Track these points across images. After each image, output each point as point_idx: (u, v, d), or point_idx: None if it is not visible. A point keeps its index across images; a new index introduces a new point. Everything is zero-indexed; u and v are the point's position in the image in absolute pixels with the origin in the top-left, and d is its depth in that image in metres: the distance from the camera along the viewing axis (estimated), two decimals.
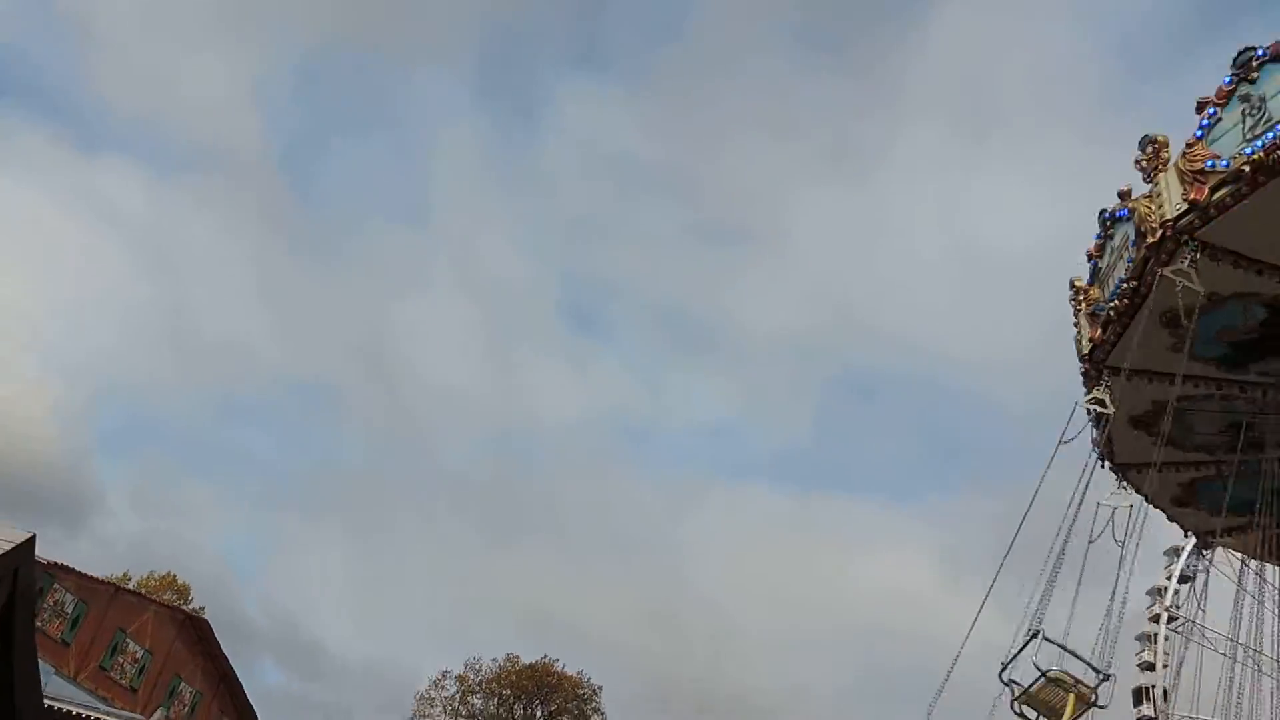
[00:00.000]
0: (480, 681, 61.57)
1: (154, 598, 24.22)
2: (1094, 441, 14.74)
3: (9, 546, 8.80)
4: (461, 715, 61.19)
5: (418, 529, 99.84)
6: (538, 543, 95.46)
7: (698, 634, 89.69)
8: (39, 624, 20.53)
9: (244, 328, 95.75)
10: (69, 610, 21.04)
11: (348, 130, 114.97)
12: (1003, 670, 12.58)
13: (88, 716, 16.65)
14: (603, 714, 60.97)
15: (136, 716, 20.87)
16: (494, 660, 61.98)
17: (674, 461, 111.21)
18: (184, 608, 25.38)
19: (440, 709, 60.97)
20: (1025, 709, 12.44)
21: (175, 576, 53.15)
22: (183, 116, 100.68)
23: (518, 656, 61.83)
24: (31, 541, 9.07)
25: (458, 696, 61.12)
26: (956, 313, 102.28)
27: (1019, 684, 12.35)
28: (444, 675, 61.67)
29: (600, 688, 61.79)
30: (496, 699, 61.60)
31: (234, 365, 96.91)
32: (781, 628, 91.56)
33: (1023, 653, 12.22)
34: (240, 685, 28.60)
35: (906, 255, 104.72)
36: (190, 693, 26.35)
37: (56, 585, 20.63)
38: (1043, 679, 12.08)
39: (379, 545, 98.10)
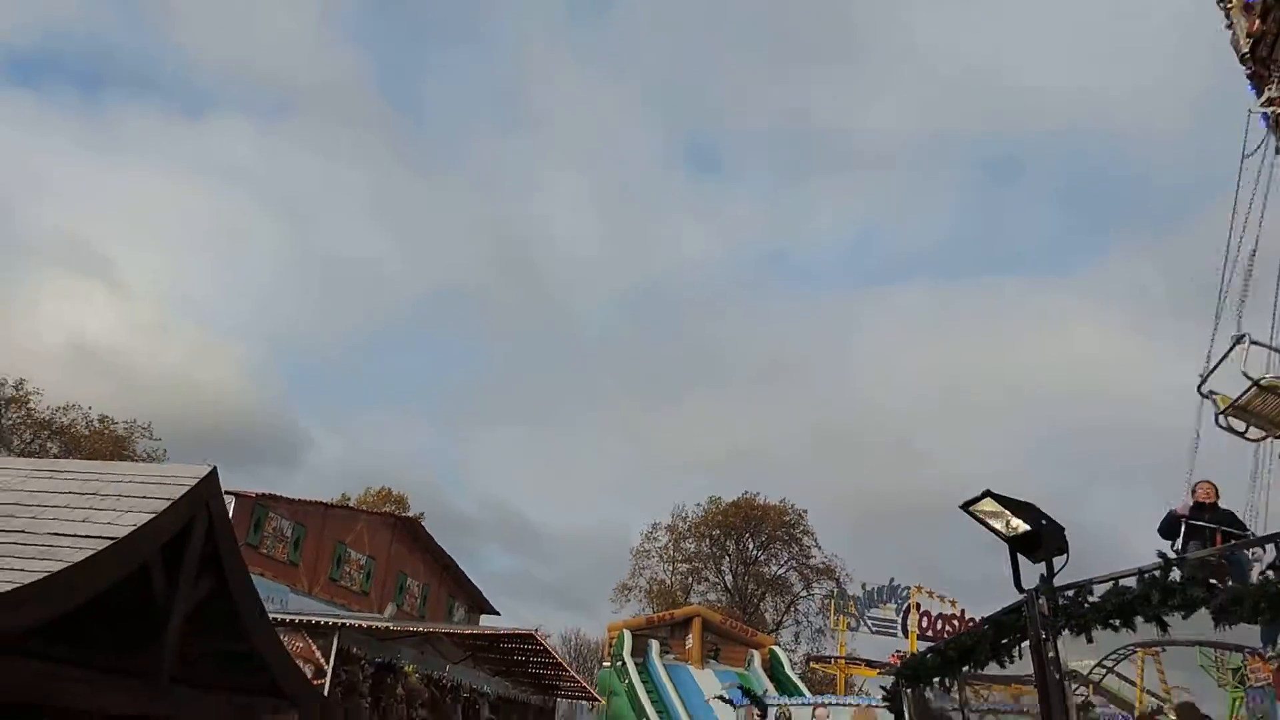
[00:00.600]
0: (689, 527, 63.63)
1: (363, 508, 25.65)
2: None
3: (194, 482, 9.23)
4: (677, 560, 63.67)
5: (589, 403, 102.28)
6: (706, 389, 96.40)
7: (875, 443, 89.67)
8: (265, 550, 22.09)
9: (377, 252, 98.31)
10: (289, 534, 22.49)
11: (436, 44, 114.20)
12: (1202, 383, 11.75)
13: (330, 622, 17.79)
14: (812, 534, 62.40)
15: (375, 614, 22.33)
16: (697, 505, 63.83)
17: (821, 280, 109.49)
18: (394, 512, 26.74)
19: (656, 559, 63.57)
20: (1234, 421, 11.66)
21: (390, 490, 56.45)
22: (275, 61, 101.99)
23: (719, 497, 63.42)
24: (214, 474, 9.49)
25: (670, 545, 63.52)
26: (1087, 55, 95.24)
27: (1222, 395, 11.50)
28: (653, 528, 64.01)
29: (805, 511, 62.86)
30: (707, 540, 63.60)
31: (376, 291, 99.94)
32: (955, 418, 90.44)
33: (1227, 357, 11.28)
34: (463, 572, 30.27)
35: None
36: (418, 586, 28.08)
37: (272, 514, 22.05)
38: (1254, 387, 11.17)
39: (559, 427, 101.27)
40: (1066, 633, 3.89)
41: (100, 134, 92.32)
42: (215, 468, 9.52)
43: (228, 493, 21.56)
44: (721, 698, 26.82)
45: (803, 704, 18.69)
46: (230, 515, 20.80)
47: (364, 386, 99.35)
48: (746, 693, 20.48)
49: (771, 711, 18.87)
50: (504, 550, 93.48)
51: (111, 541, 8.42)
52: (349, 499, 43.83)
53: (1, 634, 7.43)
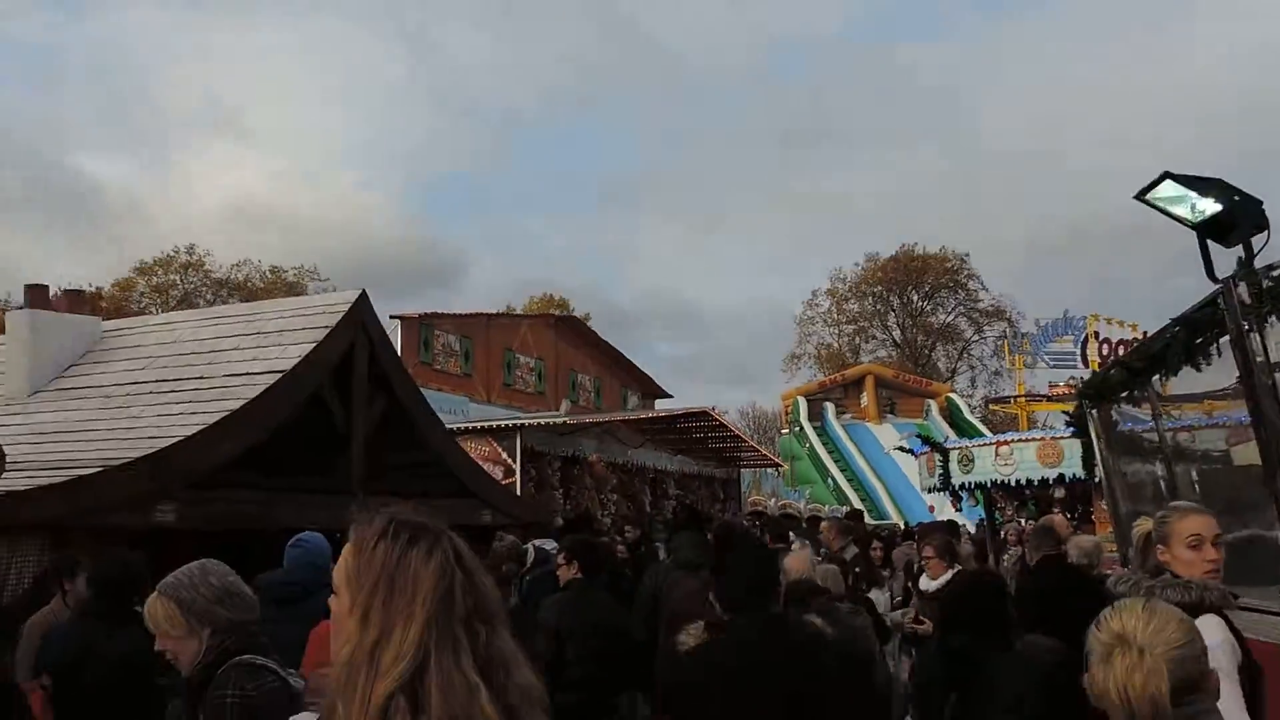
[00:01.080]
0: (849, 288, 62.83)
1: (524, 313, 26.22)
2: None
3: (347, 307, 9.42)
4: (842, 322, 63.33)
5: (739, 182, 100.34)
6: (833, 145, 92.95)
7: (1029, 168, 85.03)
8: (438, 366, 22.95)
9: (492, 61, 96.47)
10: (457, 348, 23.25)
11: None
12: None
13: (511, 423, 18.44)
14: (977, 277, 60.73)
15: (552, 412, 23.15)
16: (855, 265, 62.80)
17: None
18: (553, 313, 27.23)
19: (820, 324, 63.34)
20: None
21: (551, 295, 57.60)
22: None
23: (876, 254, 62.12)
24: (364, 296, 9.64)
25: (833, 308, 63.05)
26: None
27: None
28: (814, 294, 63.53)
29: (967, 255, 61.03)
30: (869, 298, 62.76)
31: (499, 104, 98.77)
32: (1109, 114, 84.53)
33: None
34: (631, 362, 30.88)
35: None
36: (589, 380, 28.86)
37: (437, 331, 22.77)
38: None
39: (711, 210, 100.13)
40: (1274, 320, 3.42)
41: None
42: (364, 290, 9.66)
43: (392, 317, 22.40)
44: (901, 448, 26.88)
45: (985, 443, 18.39)
46: (398, 338, 21.69)
47: (513, 196, 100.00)
48: (925, 440, 20.29)
49: (953, 455, 18.71)
50: (670, 338, 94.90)
51: (281, 375, 8.73)
52: (514, 309, 45.01)
53: (203, 471, 7.88)
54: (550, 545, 8.02)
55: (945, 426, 41.73)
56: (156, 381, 9.48)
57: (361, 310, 9.61)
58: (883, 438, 41.92)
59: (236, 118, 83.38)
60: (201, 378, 9.22)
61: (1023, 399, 42.26)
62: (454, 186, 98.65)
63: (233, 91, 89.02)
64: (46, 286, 10.67)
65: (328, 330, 9.22)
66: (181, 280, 46.19)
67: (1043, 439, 17.22)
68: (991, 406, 51.10)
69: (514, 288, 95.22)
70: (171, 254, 45.87)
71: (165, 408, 8.87)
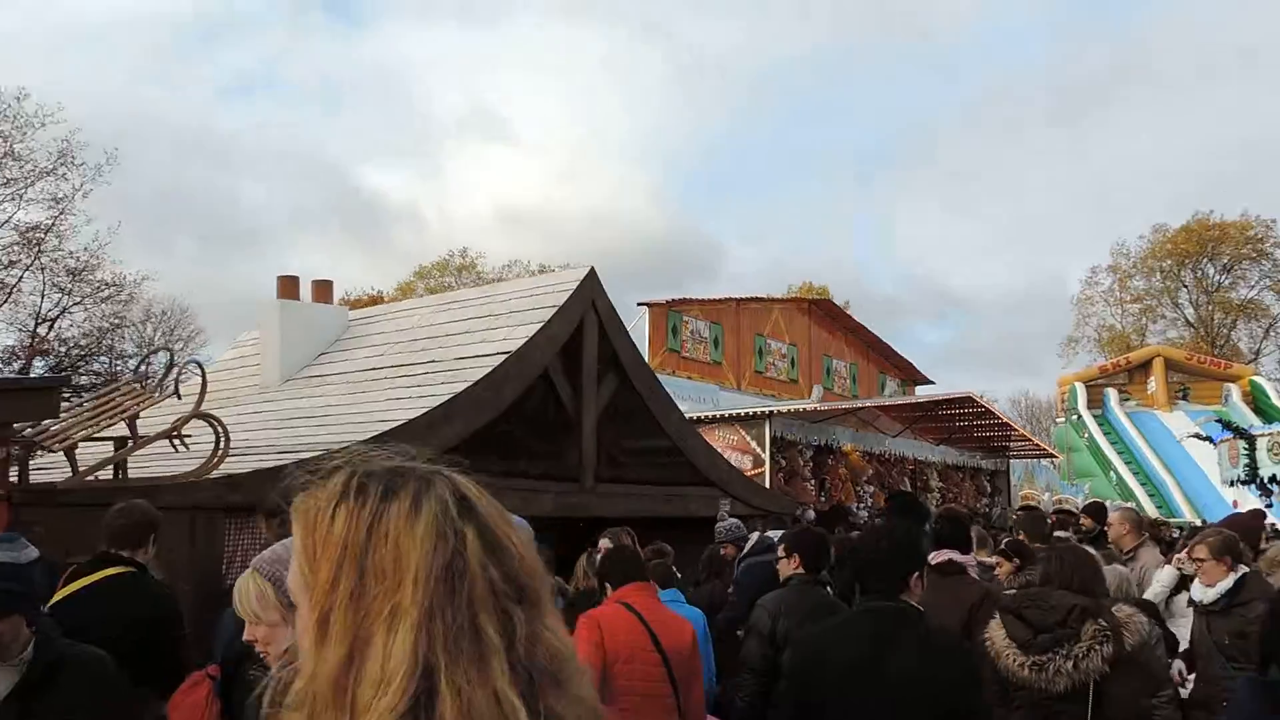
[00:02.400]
0: (1134, 264, 57.93)
1: (775, 298, 25.41)
2: None
3: (576, 284, 9.04)
4: (1125, 301, 58.46)
5: (1000, 146, 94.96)
6: (1135, 100, 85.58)
7: None
8: (687, 353, 22.59)
9: (741, 43, 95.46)
10: (705, 334, 22.79)
11: None
12: None
13: (758, 411, 17.78)
14: None
15: (805, 400, 22.32)
16: (1140, 238, 57.74)
17: None
18: (805, 297, 26.26)
19: (1100, 304, 58.72)
20: None
21: (810, 283, 56.42)
22: None
23: (1165, 225, 56.84)
24: (593, 274, 9.24)
25: (1115, 286, 58.32)
26: None
27: None
28: (1093, 272, 58.98)
29: (1274, 220, 54.69)
30: (1158, 274, 57.56)
31: (751, 86, 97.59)
32: None
33: None
34: (889, 346, 29.47)
35: None
36: (844, 366, 27.70)
37: (686, 317, 22.39)
38: None
39: (972, 181, 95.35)
40: None
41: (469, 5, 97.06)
42: (593, 268, 9.27)
43: (639, 304, 22.25)
44: (1197, 435, 24.24)
45: None
46: (646, 326, 21.48)
47: (770, 180, 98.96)
48: (1227, 425, 18.05)
49: (1262, 442, 16.41)
50: (932, 325, 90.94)
51: (507, 355, 8.45)
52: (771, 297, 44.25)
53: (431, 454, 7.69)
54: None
55: (1249, 414, 37.41)
56: (392, 367, 9.47)
57: (591, 287, 9.22)
58: (1173, 426, 38.28)
59: (501, 122, 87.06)
60: (432, 361, 9.11)
61: None
62: (711, 176, 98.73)
63: (495, 96, 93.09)
64: (296, 278, 10.96)
65: (556, 309, 8.89)
66: (456, 282, 48.49)
67: None
68: None
69: (771, 273, 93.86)
70: (446, 257, 48.40)
71: (396, 392, 8.80)
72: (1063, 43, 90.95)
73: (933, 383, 30.05)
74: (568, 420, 9.11)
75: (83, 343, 30.46)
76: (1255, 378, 42.73)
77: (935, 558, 5.08)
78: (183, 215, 63.20)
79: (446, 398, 8.00)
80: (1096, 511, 8.70)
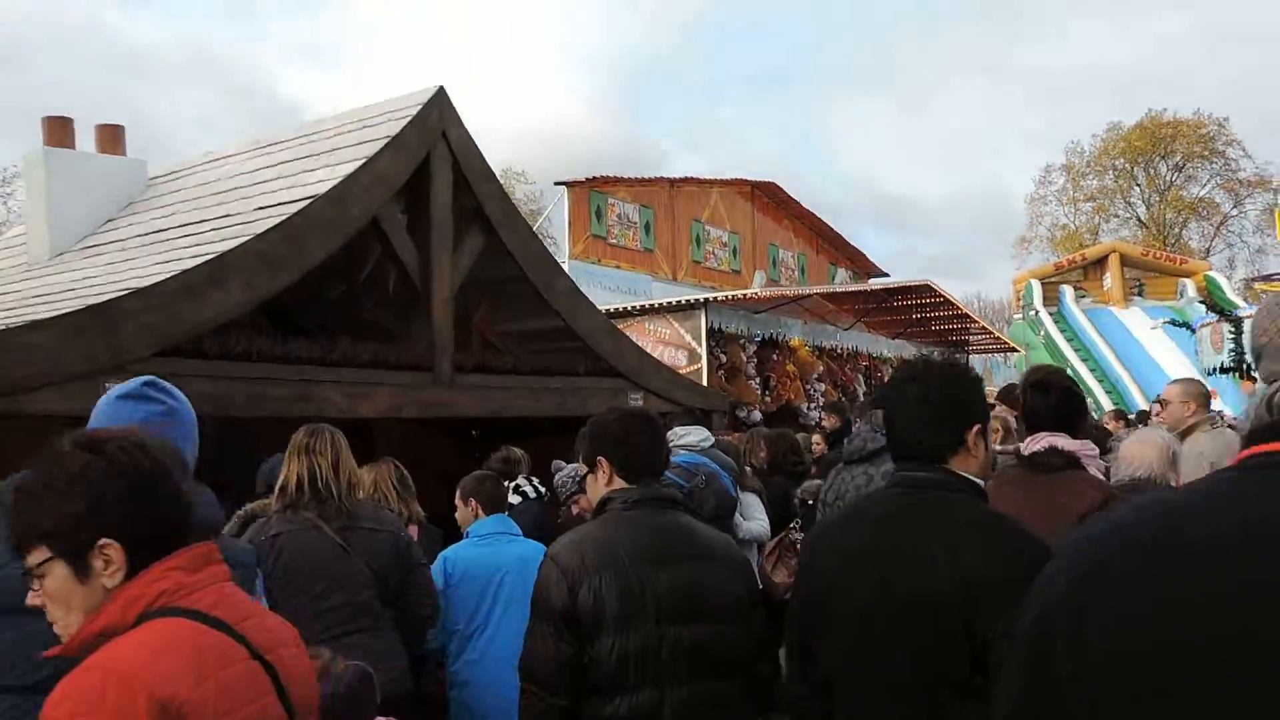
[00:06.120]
0: (1087, 163, 56.43)
1: (713, 179, 22.90)
2: None
3: (417, 109, 6.62)
4: (1079, 200, 57.04)
5: (944, 55, 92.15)
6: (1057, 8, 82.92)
7: None
8: (614, 240, 20.16)
9: None
10: (635, 218, 20.30)
11: None
12: None
13: (691, 300, 15.53)
14: (1238, 143, 52.86)
15: (745, 290, 20.13)
16: (1094, 137, 56.20)
17: None
18: (747, 179, 23.74)
19: (1054, 203, 57.28)
20: None
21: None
22: None
23: (1119, 122, 55.29)
24: (442, 94, 6.78)
25: (1069, 185, 56.82)
26: None
27: None
28: (1047, 170, 57.57)
29: (1226, 119, 53.16)
30: (1110, 172, 56.20)
31: None
32: None
33: None
34: (840, 235, 27.23)
35: None
36: (792, 256, 25.40)
37: (611, 200, 19.86)
38: None
39: (915, 88, 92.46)
40: None
41: None
42: (442, 86, 6.82)
43: (557, 183, 19.75)
44: (1173, 322, 22.45)
45: None
46: (565, 208, 19.02)
47: (709, 84, 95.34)
48: (1210, 307, 16.05)
49: (1249, 325, 14.33)
50: (880, 230, 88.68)
51: (311, 199, 6.06)
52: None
53: (183, 330, 5.34)
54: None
55: (1203, 310, 36.14)
56: (178, 227, 7.04)
57: (441, 113, 6.80)
58: (1130, 322, 37.09)
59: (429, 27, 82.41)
60: (225, 216, 6.68)
61: None
62: (650, 80, 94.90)
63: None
64: (69, 120, 8.34)
65: (387, 139, 6.47)
66: None
67: None
68: (1257, 286, 44.48)
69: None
70: None
71: (171, 254, 6.39)
72: None
73: (887, 274, 27.98)
74: (414, 290, 6.77)
75: None
76: (1210, 273, 41.42)
77: (1030, 444, 3.25)
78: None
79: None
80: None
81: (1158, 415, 5.26)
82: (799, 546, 4.73)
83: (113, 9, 73.40)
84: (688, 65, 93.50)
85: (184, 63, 71.33)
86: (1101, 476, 3.13)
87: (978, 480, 2.30)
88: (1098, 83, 79.40)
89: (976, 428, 2.32)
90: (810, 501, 5.43)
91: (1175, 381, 5.61)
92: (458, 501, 4.53)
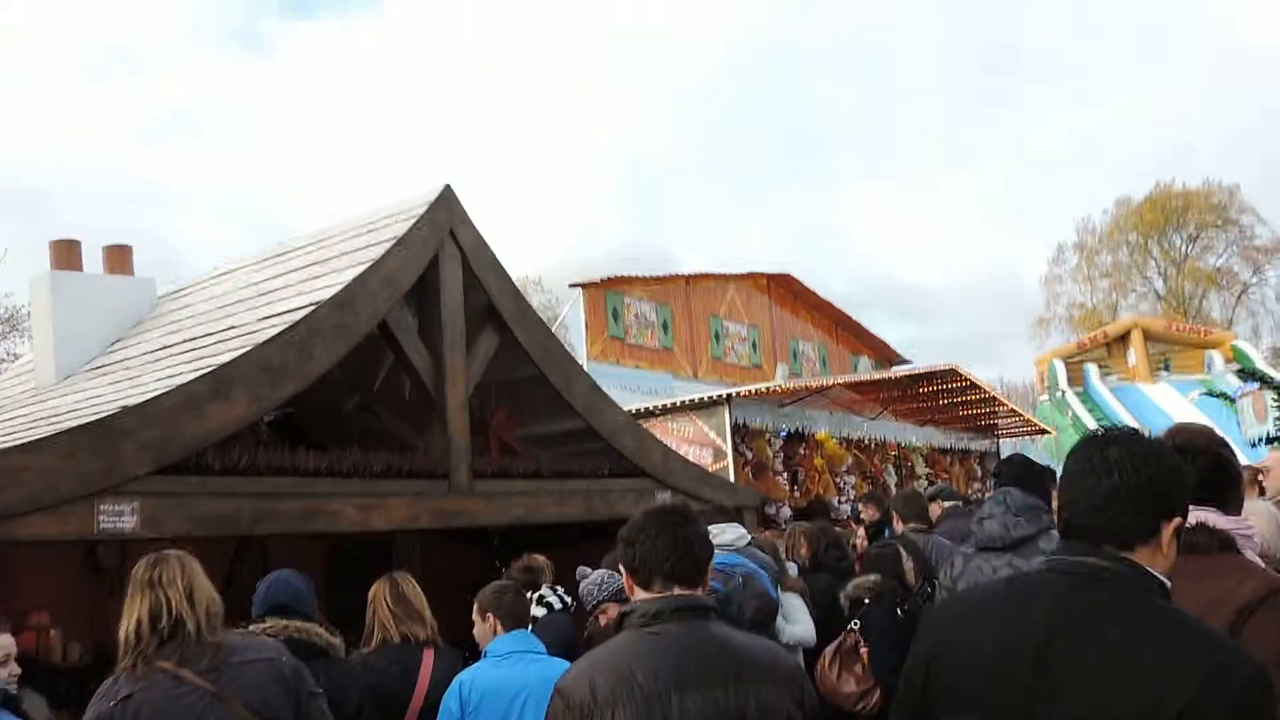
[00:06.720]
0: (1099, 239, 56.68)
1: (729, 274, 22.77)
2: None
3: (424, 209, 6.44)
4: (1094, 277, 57.05)
5: (941, 135, 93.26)
6: (1055, 85, 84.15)
7: None
8: (632, 340, 19.95)
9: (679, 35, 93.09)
10: (652, 317, 20.12)
11: None
12: None
13: (713, 396, 15.24)
14: (1252, 210, 53.06)
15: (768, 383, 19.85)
16: (1104, 212, 56.57)
17: None
18: (763, 273, 23.61)
19: (1069, 283, 57.29)
20: None
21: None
22: None
23: (1128, 197, 55.69)
24: (449, 192, 6.60)
25: (1083, 262, 56.90)
26: None
27: None
28: (1059, 250, 57.66)
29: (1236, 186, 53.52)
30: (1124, 247, 56.37)
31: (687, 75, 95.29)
32: None
33: None
34: (860, 325, 26.99)
35: None
36: (812, 348, 25.12)
37: (628, 299, 19.69)
38: None
39: (915, 172, 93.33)
40: None
41: None
42: (449, 184, 6.67)
43: (572, 285, 19.64)
44: (1210, 393, 21.92)
45: None
46: (581, 311, 18.87)
47: (718, 182, 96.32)
48: (1250, 375, 15.57)
49: None
50: (895, 319, 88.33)
51: (316, 305, 5.84)
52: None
53: (187, 444, 5.07)
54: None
55: (1234, 382, 35.68)
56: (184, 342, 6.84)
57: (448, 212, 6.63)
58: (1159, 398, 36.69)
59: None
60: (230, 329, 6.48)
61: None
62: (657, 177, 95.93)
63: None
64: (76, 242, 8.20)
65: (394, 240, 6.28)
66: None
67: None
68: None
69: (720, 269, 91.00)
70: None
71: (175, 369, 6.17)
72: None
73: (909, 362, 27.65)
74: (428, 395, 6.50)
75: None
76: (1237, 342, 40.98)
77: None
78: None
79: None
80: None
81: (1262, 481, 4.88)
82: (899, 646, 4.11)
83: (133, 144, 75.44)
84: (695, 159, 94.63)
85: (202, 193, 72.99)
86: (1259, 560, 2.65)
87: (1167, 581, 1.90)
88: (1102, 159, 79.85)
89: (1177, 521, 1.92)
90: (866, 600, 5.04)
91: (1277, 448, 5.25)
92: (475, 617, 4.17)
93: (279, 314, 6.16)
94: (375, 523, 5.94)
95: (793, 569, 6.27)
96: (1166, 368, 41.00)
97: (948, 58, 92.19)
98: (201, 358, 6.09)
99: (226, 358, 5.63)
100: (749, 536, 5.43)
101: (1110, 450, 1.95)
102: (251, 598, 4.04)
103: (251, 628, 3.76)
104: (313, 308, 5.82)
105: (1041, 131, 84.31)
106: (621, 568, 2.49)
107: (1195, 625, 1.79)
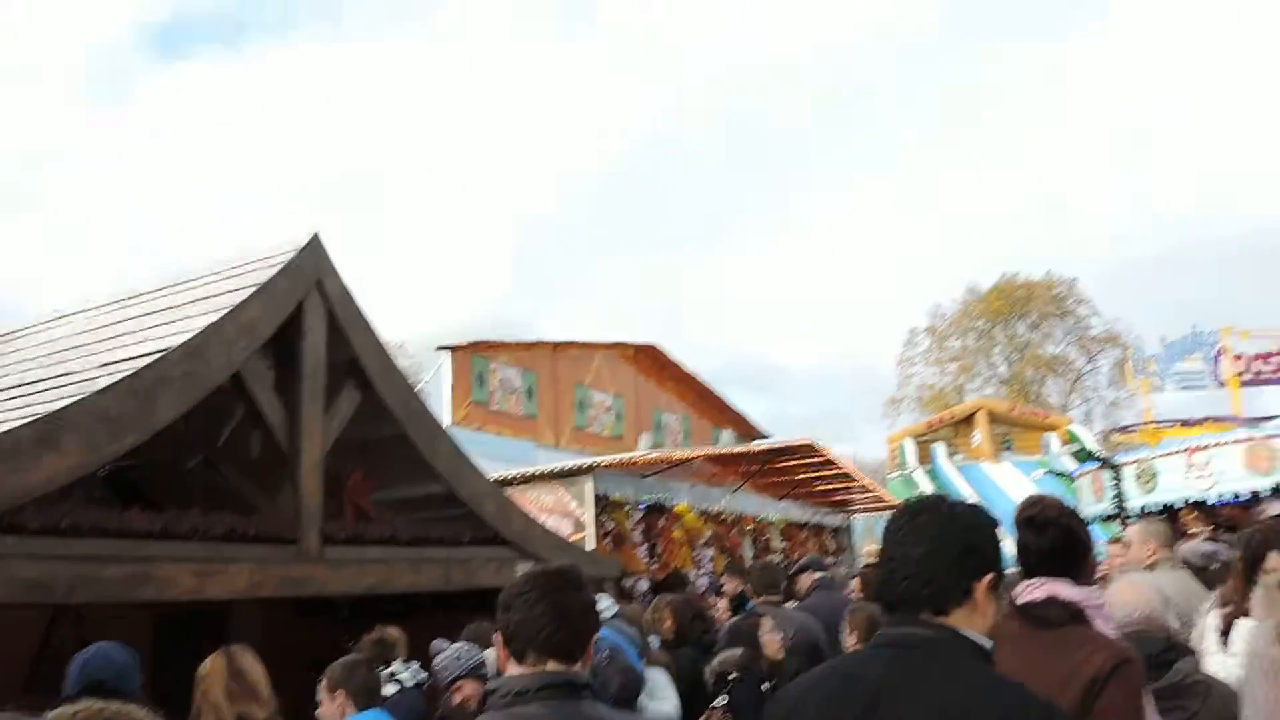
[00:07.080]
0: (949, 325, 59.23)
1: (596, 342, 22.75)
2: None
3: (289, 256, 6.16)
4: (944, 360, 59.43)
5: (790, 222, 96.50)
6: (907, 175, 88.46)
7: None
8: (496, 406, 19.64)
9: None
10: (518, 383, 19.90)
11: None
12: None
13: (577, 465, 15.03)
14: (1088, 301, 56.44)
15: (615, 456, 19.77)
16: (954, 300, 59.28)
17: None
18: (630, 342, 23.67)
19: (921, 364, 59.55)
20: None
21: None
22: None
23: (976, 285, 58.61)
24: (317, 242, 6.34)
25: (934, 346, 59.29)
26: None
27: None
28: (912, 334, 59.98)
29: (1075, 280, 56.88)
30: (973, 333, 59.04)
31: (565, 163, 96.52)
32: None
33: None
34: (722, 398, 27.27)
35: None
36: (676, 420, 25.23)
37: (494, 364, 19.43)
38: None
39: (772, 252, 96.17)
40: None
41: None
42: (317, 234, 6.39)
43: (440, 348, 19.27)
44: (1052, 472, 22.82)
45: (1172, 451, 14.43)
46: (447, 374, 18.51)
47: (583, 251, 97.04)
48: (1087, 456, 16.25)
49: (1128, 471, 14.74)
50: (752, 393, 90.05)
51: (163, 353, 5.45)
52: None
53: (19, 506, 4.60)
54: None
55: (1070, 462, 37.45)
56: (9, 389, 6.29)
57: (315, 262, 6.34)
58: (1000, 478, 38.07)
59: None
60: (65, 375, 6.00)
61: (1151, 425, 37.62)
62: (525, 244, 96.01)
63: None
64: None
65: (254, 288, 5.95)
66: None
67: (1251, 439, 13.24)
68: (1115, 437, 46.40)
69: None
70: None
71: None
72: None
73: (769, 436, 28.01)
74: (280, 453, 6.13)
75: None
76: (1072, 426, 43.06)
77: (1025, 591, 2.73)
78: None
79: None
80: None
81: (1119, 559, 4.97)
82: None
83: None
84: (565, 228, 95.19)
85: None
86: (1109, 631, 2.67)
87: (984, 642, 1.92)
88: (955, 246, 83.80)
89: (989, 578, 1.98)
90: (732, 675, 4.90)
91: (1135, 522, 5.38)
92: (323, 695, 3.85)
93: (121, 360, 5.73)
94: (213, 591, 5.51)
95: (654, 642, 6.11)
96: (1009, 448, 42.59)
97: (821, 147, 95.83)
98: (29, 404, 5.60)
99: (56, 405, 5.19)
100: (616, 608, 5.23)
101: (920, 518, 2.05)
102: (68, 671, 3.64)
103: (61, 709, 3.33)
104: (160, 355, 5.43)
105: (903, 224, 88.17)
106: (497, 637, 2.28)
107: (999, 681, 1.88)
